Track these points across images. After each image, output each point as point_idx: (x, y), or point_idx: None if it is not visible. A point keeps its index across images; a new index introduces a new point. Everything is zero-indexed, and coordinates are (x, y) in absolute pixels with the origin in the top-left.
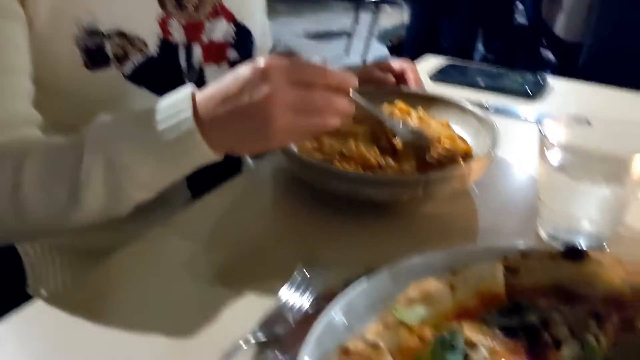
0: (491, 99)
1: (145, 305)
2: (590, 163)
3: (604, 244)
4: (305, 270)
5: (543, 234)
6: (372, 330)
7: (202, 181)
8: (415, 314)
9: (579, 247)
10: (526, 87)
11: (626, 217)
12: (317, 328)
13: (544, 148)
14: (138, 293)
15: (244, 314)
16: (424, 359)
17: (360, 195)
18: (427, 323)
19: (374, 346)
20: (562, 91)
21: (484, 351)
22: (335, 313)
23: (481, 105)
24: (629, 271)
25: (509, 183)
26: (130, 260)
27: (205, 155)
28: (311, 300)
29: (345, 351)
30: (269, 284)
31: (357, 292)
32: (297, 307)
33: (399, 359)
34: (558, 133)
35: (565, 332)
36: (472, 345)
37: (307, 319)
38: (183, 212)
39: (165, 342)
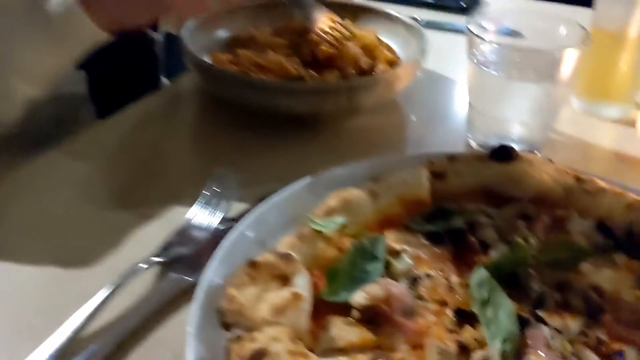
0: (425, 14)
1: (35, 231)
2: (519, 59)
3: (536, 150)
4: (217, 189)
5: (473, 143)
6: (285, 242)
7: (111, 101)
8: (333, 224)
9: (508, 147)
10: (460, 1)
11: (558, 123)
12: (225, 245)
13: (472, 46)
14: (27, 220)
15: (148, 236)
16: (341, 270)
17: (280, 108)
18: (346, 233)
19: (286, 258)
20: (498, 6)
21: (407, 259)
22: (246, 228)
23: (414, 19)
24: (560, 170)
25: (439, 95)
26: (18, 185)
27: (91, 31)
28: (221, 218)
29: (252, 264)
30: (177, 204)
31: (271, 205)
32: (206, 226)
33: (316, 271)
34: (488, 34)
35: (493, 235)
36: (395, 253)
37: (215, 238)
38: (83, 132)
39: (55, 268)
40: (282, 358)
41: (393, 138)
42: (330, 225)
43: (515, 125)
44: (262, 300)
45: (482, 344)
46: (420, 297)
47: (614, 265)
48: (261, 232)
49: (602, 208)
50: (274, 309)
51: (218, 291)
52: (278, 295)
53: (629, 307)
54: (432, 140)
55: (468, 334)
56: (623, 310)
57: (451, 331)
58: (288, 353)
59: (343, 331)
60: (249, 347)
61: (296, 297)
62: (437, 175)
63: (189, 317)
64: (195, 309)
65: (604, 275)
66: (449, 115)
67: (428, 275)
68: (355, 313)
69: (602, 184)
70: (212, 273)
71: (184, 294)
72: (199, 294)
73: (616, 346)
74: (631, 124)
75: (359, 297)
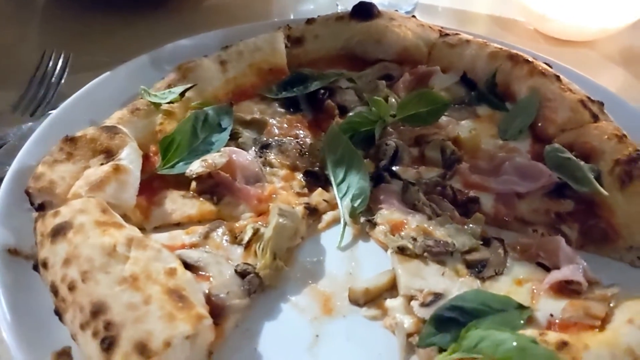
0: None
1: None
2: None
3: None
4: (48, 71)
5: (341, 7)
6: (115, 117)
7: None
8: (171, 95)
9: (368, 3)
10: None
11: None
12: (43, 125)
13: None
14: None
15: None
16: (177, 141)
17: None
18: (192, 106)
19: (110, 131)
20: None
21: (257, 128)
22: (72, 107)
23: None
24: (423, 25)
25: None
26: None
27: None
28: (51, 101)
29: (68, 140)
30: (5, 88)
31: (104, 82)
32: (33, 110)
33: (152, 143)
34: None
35: (353, 98)
36: (245, 123)
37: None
38: None
39: None
40: (87, 229)
41: (257, 10)
42: (167, 96)
43: None
44: (80, 177)
45: (333, 206)
46: (270, 164)
47: (476, 116)
48: (92, 111)
49: (465, 60)
50: (90, 183)
51: (31, 173)
52: (98, 170)
53: (486, 155)
54: (300, 12)
55: (319, 196)
56: (480, 159)
57: (300, 195)
58: (95, 223)
59: (179, 205)
60: (51, 222)
61: (117, 169)
62: (295, 41)
63: None
64: (2, 193)
65: (463, 127)
66: None
67: (279, 142)
68: (194, 185)
69: (466, 36)
70: (25, 155)
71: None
72: (7, 177)
73: (472, 194)
74: None
75: (194, 166)
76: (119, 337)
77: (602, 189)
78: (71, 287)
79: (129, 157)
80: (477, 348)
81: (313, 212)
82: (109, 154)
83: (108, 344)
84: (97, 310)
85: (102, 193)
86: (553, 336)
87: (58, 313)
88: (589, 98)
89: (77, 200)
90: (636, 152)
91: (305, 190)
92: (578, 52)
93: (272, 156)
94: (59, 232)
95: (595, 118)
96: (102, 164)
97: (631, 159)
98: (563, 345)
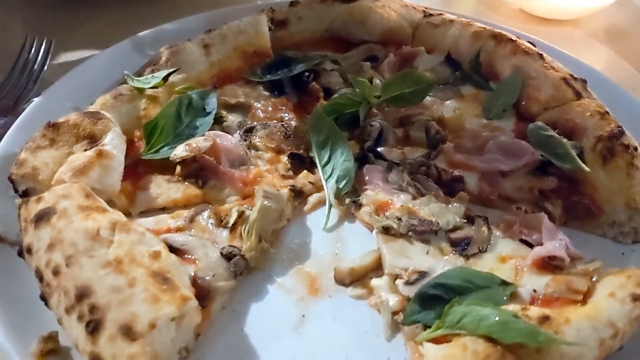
0: None
1: None
2: None
3: None
4: (29, 56)
5: None
6: (98, 102)
7: None
8: (155, 79)
9: None
10: None
11: None
12: (27, 111)
13: None
14: None
15: None
16: (162, 125)
17: None
18: (176, 91)
19: (94, 116)
20: None
21: (242, 111)
22: (55, 93)
23: None
24: (407, 5)
25: None
26: None
27: None
28: (34, 86)
29: (51, 126)
30: None
31: (86, 68)
32: (14, 95)
33: (136, 128)
34: None
35: (338, 80)
36: (230, 107)
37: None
38: None
39: None
40: (70, 214)
41: None
42: (151, 81)
43: None
44: (63, 163)
45: (319, 188)
46: (255, 147)
47: (460, 96)
48: (76, 97)
49: (449, 40)
50: (74, 169)
51: (14, 160)
52: (82, 155)
53: (470, 135)
54: None
55: (304, 178)
56: (464, 138)
57: (286, 177)
58: (78, 208)
59: (164, 189)
60: (34, 207)
61: (100, 155)
62: (279, 23)
63: None
64: None
65: (448, 107)
66: None
67: (264, 125)
68: (178, 169)
69: (449, 16)
70: (8, 142)
71: None
72: None
73: (456, 173)
74: None
75: (178, 150)
76: (104, 320)
77: (584, 166)
78: (55, 272)
79: (113, 142)
80: (460, 324)
81: (298, 194)
82: (93, 139)
83: (93, 327)
84: (82, 294)
85: (86, 178)
86: (535, 311)
87: (44, 298)
88: (572, 76)
89: (60, 185)
90: (618, 129)
91: (291, 173)
92: (563, 30)
93: (257, 139)
94: (42, 217)
95: (578, 95)
96: (85, 150)
97: (613, 135)
98: (545, 319)
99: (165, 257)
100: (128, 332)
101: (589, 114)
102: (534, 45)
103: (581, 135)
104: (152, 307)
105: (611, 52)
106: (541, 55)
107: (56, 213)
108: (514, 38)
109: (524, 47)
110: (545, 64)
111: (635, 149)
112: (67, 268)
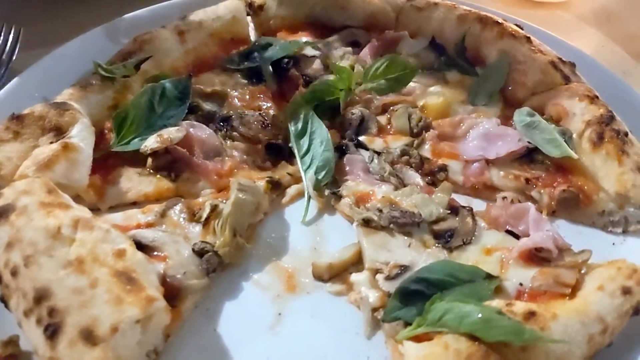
0: None
1: None
2: None
3: None
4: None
5: None
6: (66, 93)
7: None
8: (124, 69)
9: None
10: None
11: None
12: None
13: None
14: None
15: None
16: (132, 115)
17: None
18: (150, 79)
19: (60, 107)
20: None
21: (218, 100)
22: (22, 81)
23: None
24: None
25: None
26: None
27: None
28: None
29: (14, 118)
30: None
31: (55, 58)
32: None
33: (107, 119)
34: None
35: (319, 67)
36: (205, 96)
37: None
38: None
39: None
40: (30, 211)
41: None
42: (121, 70)
43: None
44: (28, 157)
45: (297, 179)
46: (231, 138)
47: (445, 82)
48: (45, 88)
49: (434, 24)
50: (38, 163)
51: None
52: (47, 148)
53: (455, 122)
54: None
55: (282, 169)
56: (449, 126)
57: (263, 169)
58: (39, 205)
59: (135, 183)
60: None
61: (66, 148)
62: (255, 7)
63: None
64: None
65: (432, 94)
66: None
67: (241, 115)
68: (150, 162)
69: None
70: None
71: None
72: None
73: (440, 162)
74: None
75: (149, 142)
76: (63, 324)
77: (572, 152)
78: (14, 273)
79: (80, 134)
80: (442, 321)
81: (276, 186)
82: (59, 131)
83: (52, 332)
84: (41, 296)
85: (51, 173)
86: (520, 306)
87: (3, 300)
88: (560, 59)
89: (22, 181)
90: (608, 113)
91: (268, 164)
92: (552, 13)
93: (232, 130)
94: (1, 215)
95: (567, 79)
96: (51, 143)
97: (602, 120)
98: (530, 315)
99: (131, 255)
100: (89, 337)
101: (577, 98)
102: (521, 28)
103: (569, 121)
104: (115, 309)
105: (601, 35)
106: (528, 38)
107: (16, 210)
108: (500, 21)
109: (510, 30)
110: (533, 48)
111: (626, 134)
112: (26, 268)
